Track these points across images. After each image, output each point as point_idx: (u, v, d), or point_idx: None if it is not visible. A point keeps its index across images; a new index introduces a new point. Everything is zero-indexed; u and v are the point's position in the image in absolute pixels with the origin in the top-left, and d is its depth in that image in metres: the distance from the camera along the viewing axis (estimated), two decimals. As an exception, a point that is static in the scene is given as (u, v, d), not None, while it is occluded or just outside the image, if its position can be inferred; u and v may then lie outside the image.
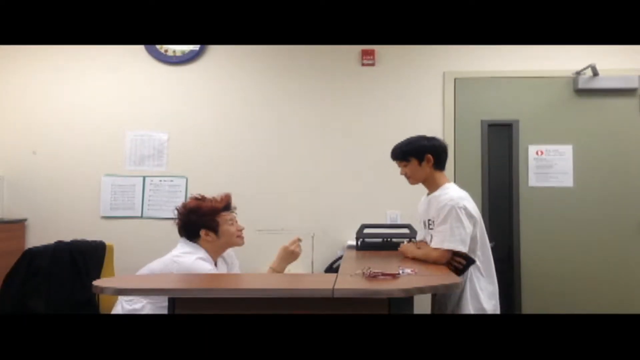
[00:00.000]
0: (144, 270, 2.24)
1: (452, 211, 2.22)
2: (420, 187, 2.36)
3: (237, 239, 2.36)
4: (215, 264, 2.35)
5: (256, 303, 1.70)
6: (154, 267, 2.21)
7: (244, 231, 2.40)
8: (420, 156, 2.39)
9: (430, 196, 2.43)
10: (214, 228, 2.28)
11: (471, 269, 2.26)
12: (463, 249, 2.20)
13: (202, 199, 2.36)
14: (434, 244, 2.26)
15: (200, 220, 2.28)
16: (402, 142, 2.46)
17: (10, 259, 2.60)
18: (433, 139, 2.45)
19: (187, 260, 2.17)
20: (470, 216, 2.24)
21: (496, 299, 2.30)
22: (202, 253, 2.25)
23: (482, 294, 2.25)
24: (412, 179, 2.47)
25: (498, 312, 2.30)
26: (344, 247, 3.24)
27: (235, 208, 2.41)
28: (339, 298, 1.65)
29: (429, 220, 2.41)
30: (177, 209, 2.35)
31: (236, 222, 2.38)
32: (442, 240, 2.22)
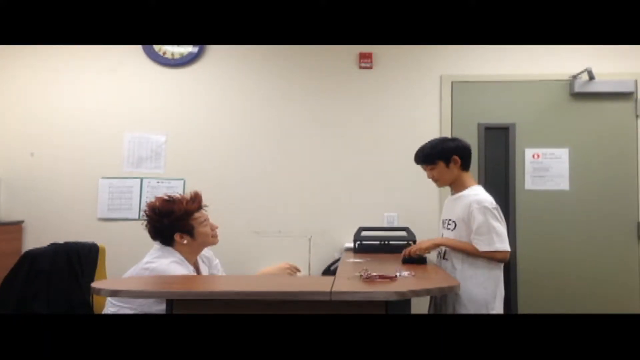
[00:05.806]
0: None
1: (489, 212, 2.22)
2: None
3: (212, 239, 2.28)
4: (196, 266, 2.29)
5: (254, 305, 1.70)
6: (130, 275, 2.14)
7: (218, 230, 2.30)
8: (446, 158, 2.34)
9: (455, 196, 2.39)
10: (189, 231, 2.18)
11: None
12: (508, 248, 2.22)
13: (172, 200, 2.21)
14: (482, 248, 2.21)
15: (174, 224, 2.16)
16: (425, 145, 2.41)
17: (6, 261, 2.60)
18: (457, 139, 2.42)
19: (161, 264, 2.09)
20: (502, 217, 2.26)
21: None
22: (176, 257, 2.16)
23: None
24: (441, 182, 2.42)
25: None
26: (341, 249, 3.25)
27: (206, 206, 2.29)
28: (337, 301, 1.66)
29: (449, 220, 2.39)
30: (145, 212, 2.20)
31: (209, 221, 2.26)
32: (492, 241, 2.19)
